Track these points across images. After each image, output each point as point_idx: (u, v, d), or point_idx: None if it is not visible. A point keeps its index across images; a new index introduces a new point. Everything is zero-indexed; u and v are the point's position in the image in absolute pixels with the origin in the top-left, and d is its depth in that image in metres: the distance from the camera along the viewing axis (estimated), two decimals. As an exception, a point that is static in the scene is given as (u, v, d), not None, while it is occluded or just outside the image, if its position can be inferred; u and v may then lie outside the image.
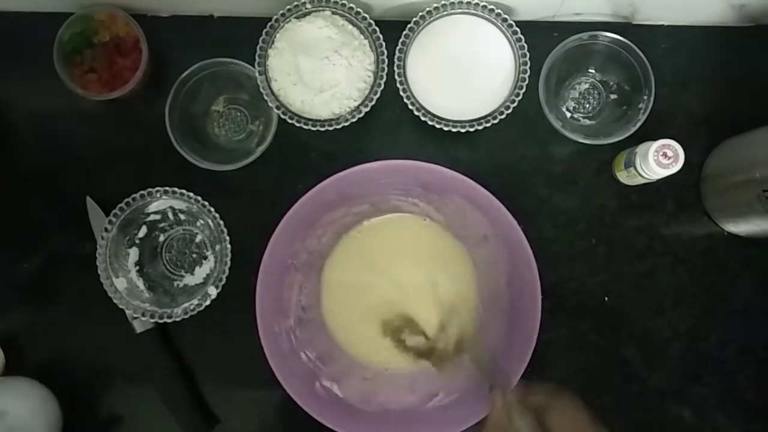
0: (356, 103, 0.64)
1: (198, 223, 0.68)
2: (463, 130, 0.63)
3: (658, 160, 0.59)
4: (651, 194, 0.68)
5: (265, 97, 0.64)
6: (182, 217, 0.67)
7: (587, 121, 0.69)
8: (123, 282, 0.64)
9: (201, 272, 0.68)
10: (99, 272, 0.62)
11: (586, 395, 0.67)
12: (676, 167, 0.59)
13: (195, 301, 0.62)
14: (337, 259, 0.68)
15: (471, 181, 0.60)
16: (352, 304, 0.67)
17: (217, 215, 0.63)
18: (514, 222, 0.59)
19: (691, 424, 0.67)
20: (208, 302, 0.62)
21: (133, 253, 0.66)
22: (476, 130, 0.64)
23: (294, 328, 0.64)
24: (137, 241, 0.66)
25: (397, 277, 0.67)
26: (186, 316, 0.62)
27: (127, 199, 0.63)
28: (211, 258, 0.68)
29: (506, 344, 0.62)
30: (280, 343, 0.62)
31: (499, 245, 0.62)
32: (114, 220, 0.63)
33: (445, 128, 0.64)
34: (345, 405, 0.63)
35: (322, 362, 0.65)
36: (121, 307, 0.63)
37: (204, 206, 0.63)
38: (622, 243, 0.68)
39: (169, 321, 0.62)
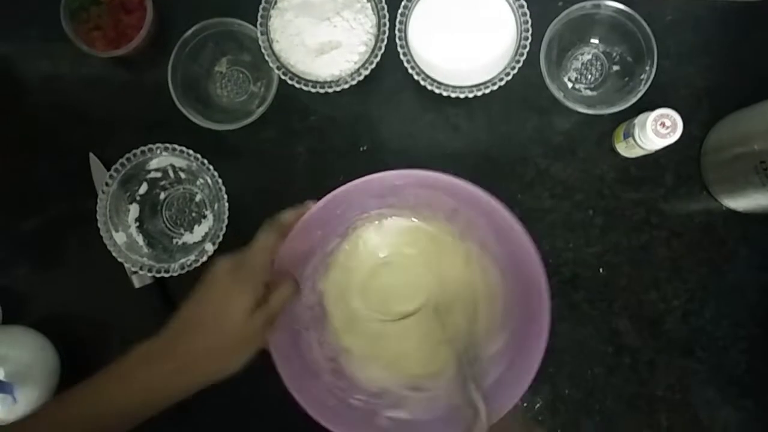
0: (357, 66, 0.64)
1: (198, 183, 0.69)
2: (462, 96, 0.64)
3: (656, 130, 0.59)
4: (650, 167, 0.68)
5: (266, 58, 0.64)
6: (183, 175, 0.68)
7: (589, 92, 0.69)
8: (122, 237, 0.65)
9: (200, 231, 0.69)
10: (99, 225, 0.63)
11: (578, 365, 0.69)
12: (674, 137, 0.59)
13: (192, 257, 0.63)
14: (336, 298, 0.63)
15: (415, 171, 0.56)
16: (372, 328, 0.63)
17: (215, 174, 0.64)
18: (479, 192, 0.54)
19: (681, 398, 0.67)
20: (205, 258, 0.63)
21: (134, 210, 0.67)
22: (476, 97, 0.64)
23: (333, 382, 0.59)
24: (138, 198, 0.67)
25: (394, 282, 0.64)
26: (183, 272, 0.63)
27: (128, 155, 0.64)
28: (210, 217, 0.68)
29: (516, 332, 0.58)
30: (328, 404, 0.56)
31: (472, 216, 0.58)
32: (115, 174, 0.64)
33: (445, 93, 0.64)
34: (416, 424, 0.58)
35: (377, 398, 0.59)
36: (119, 260, 0.64)
37: (203, 164, 0.64)
38: (619, 215, 0.68)
39: (166, 276, 0.63)
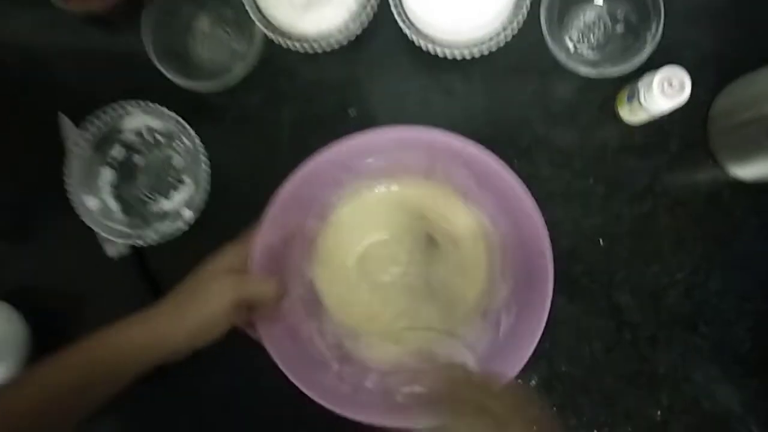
0: (346, 22, 0.60)
1: (176, 146, 0.65)
2: (458, 55, 0.60)
3: (663, 90, 0.55)
4: (654, 134, 0.65)
5: (249, 12, 0.60)
6: (160, 138, 0.64)
7: (591, 54, 0.65)
8: (95, 202, 0.61)
9: (178, 197, 0.65)
10: (69, 188, 0.59)
11: (576, 342, 0.66)
12: (682, 98, 0.56)
13: (169, 223, 0.59)
14: (327, 283, 0.61)
15: (371, 133, 0.54)
16: (367, 305, 0.61)
17: (194, 134, 0.60)
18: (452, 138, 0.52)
19: (684, 376, 0.64)
20: (182, 225, 0.60)
21: (108, 173, 0.63)
22: (473, 58, 0.61)
23: (343, 369, 0.57)
24: (112, 161, 0.63)
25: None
26: (160, 240, 0.60)
27: (98, 112, 0.60)
28: (189, 182, 0.65)
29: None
30: (342, 392, 0.55)
31: (450, 167, 0.56)
32: (86, 133, 0.60)
33: (440, 52, 0.60)
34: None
35: (391, 375, 0.58)
36: (90, 226, 0.60)
37: (180, 124, 0.60)
38: (621, 184, 0.65)
39: (141, 244, 0.60)
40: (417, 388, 0.55)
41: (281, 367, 0.52)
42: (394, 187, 0.61)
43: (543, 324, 0.54)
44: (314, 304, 0.59)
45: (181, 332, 0.48)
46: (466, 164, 0.54)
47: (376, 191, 0.61)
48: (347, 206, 0.61)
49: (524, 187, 0.55)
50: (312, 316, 0.59)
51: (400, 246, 0.61)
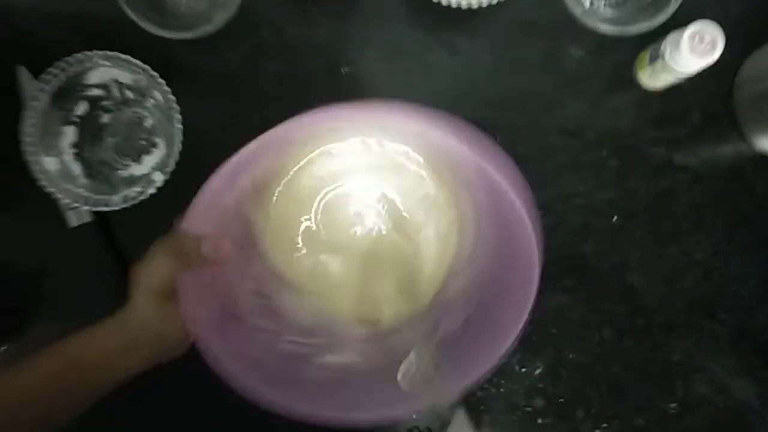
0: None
1: (148, 104, 0.58)
2: (464, 4, 0.54)
3: (693, 47, 0.50)
4: (675, 102, 0.59)
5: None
6: (130, 94, 0.57)
7: (610, 11, 0.59)
8: (54, 163, 0.54)
9: (149, 161, 0.58)
10: (25, 147, 0.53)
11: (585, 327, 0.60)
12: (713, 57, 0.50)
13: (137, 188, 0.53)
14: (273, 227, 0.54)
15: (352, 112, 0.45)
16: (314, 260, 0.54)
17: (167, 89, 0.54)
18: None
19: (699, 365, 0.59)
20: (152, 190, 0.53)
21: (70, 132, 0.56)
22: (480, 9, 0.55)
23: (260, 324, 0.49)
24: (75, 119, 0.56)
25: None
26: (126, 205, 0.53)
27: (60, 62, 0.53)
28: (162, 145, 0.58)
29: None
30: (249, 355, 0.45)
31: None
32: (45, 86, 0.53)
33: (444, 0, 0.54)
34: (351, 373, 0.48)
35: (312, 337, 0.50)
36: (49, 190, 0.53)
37: (153, 77, 0.53)
38: (637, 156, 0.60)
39: (106, 210, 0.53)
40: (338, 358, 0.49)
41: (184, 312, 0.42)
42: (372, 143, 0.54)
43: (524, 315, 0.43)
44: (247, 244, 0.51)
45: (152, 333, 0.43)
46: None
47: (349, 144, 0.54)
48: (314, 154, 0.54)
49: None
50: (240, 258, 0.49)
51: (366, 207, 0.55)
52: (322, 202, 0.55)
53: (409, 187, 0.54)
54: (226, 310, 0.47)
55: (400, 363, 0.46)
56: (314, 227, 0.54)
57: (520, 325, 0.42)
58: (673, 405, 0.60)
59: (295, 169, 0.54)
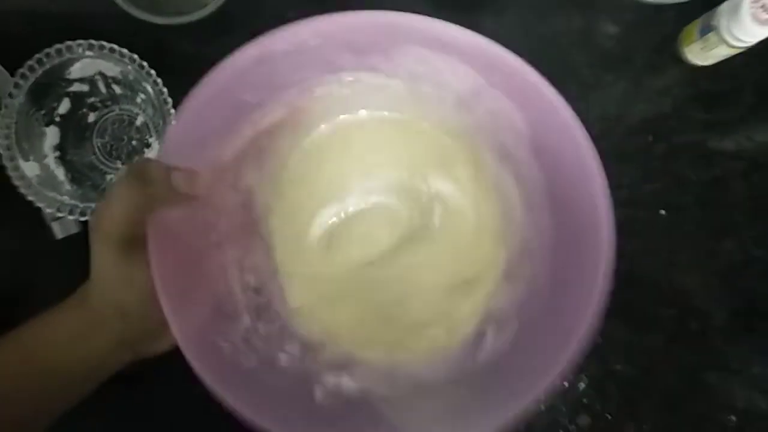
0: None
1: (138, 99, 0.52)
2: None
3: (755, 14, 0.44)
4: (725, 81, 0.53)
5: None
6: (117, 90, 0.52)
7: (649, -19, 0.53)
8: (35, 167, 0.48)
9: (142, 163, 0.52)
10: (1, 152, 0.47)
11: (632, 334, 0.54)
12: (779, 25, 0.44)
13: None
14: (279, 202, 0.44)
15: (425, 19, 0.35)
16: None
17: (159, 81, 0.48)
18: (518, 61, 0.36)
19: (760, 374, 0.53)
20: (145, 195, 0.47)
21: (52, 134, 0.50)
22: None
23: (255, 326, 0.39)
24: (57, 119, 0.51)
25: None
26: (116, 213, 0.47)
27: (38, 55, 0.47)
28: (156, 146, 0.52)
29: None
30: (242, 367, 0.37)
31: (499, 99, 0.38)
32: (22, 82, 0.47)
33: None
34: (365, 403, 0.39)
35: (315, 351, 0.41)
36: (29, 198, 0.47)
37: (142, 68, 0.47)
38: (686, 142, 0.54)
39: (93, 219, 0.47)
40: (346, 380, 0.39)
41: (163, 305, 0.33)
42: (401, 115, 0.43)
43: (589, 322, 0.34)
44: (245, 223, 0.42)
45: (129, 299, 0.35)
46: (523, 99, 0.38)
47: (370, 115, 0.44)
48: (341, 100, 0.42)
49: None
50: (236, 240, 0.40)
51: (402, 199, 0.45)
52: (350, 186, 0.44)
53: (453, 174, 0.44)
54: (215, 301, 0.38)
55: (427, 394, 0.39)
56: (334, 218, 0.44)
57: (582, 337, 0.35)
58: (732, 418, 0.54)
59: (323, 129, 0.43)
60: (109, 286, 0.34)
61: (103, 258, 0.34)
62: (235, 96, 0.36)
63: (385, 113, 0.44)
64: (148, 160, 0.34)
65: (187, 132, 0.35)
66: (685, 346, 0.53)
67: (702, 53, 0.50)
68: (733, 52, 0.48)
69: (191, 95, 0.34)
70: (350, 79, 0.40)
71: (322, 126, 0.44)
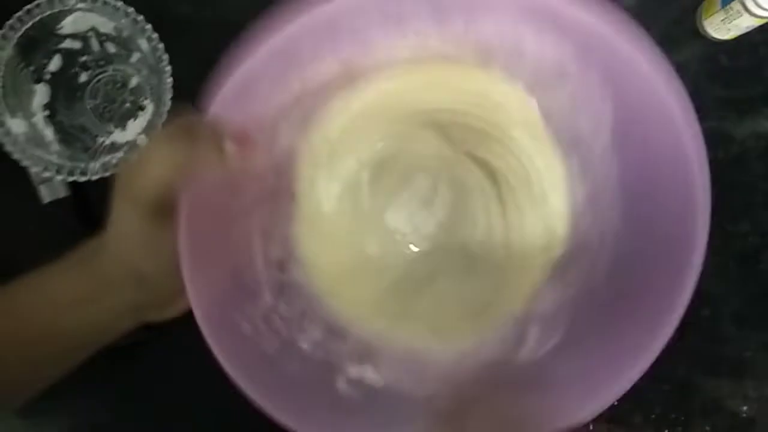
0: None
1: (133, 59, 0.50)
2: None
3: (783, -20, 0.42)
4: (746, 56, 0.51)
5: None
6: (111, 48, 0.49)
7: (669, -50, 0.51)
8: (21, 125, 0.46)
9: (135, 126, 0.50)
10: (-14, 107, 0.45)
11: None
12: (808, -7, 0.42)
13: (120, 155, 0.45)
14: (320, 168, 0.40)
15: None
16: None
17: (155, 36, 0.46)
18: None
19: (774, 363, 0.51)
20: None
21: (42, 92, 0.48)
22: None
23: (274, 306, 0.36)
24: (48, 77, 0.48)
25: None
26: (107, 174, 0.45)
27: (28, 6, 0.45)
28: (150, 108, 0.50)
29: None
30: (265, 352, 0.34)
31: (593, 81, 0.35)
32: (10, 34, 0.45)
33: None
34: (393, 398, 0.36)
35: (339, 340, 0.38)
36: (15, 157, 0.45)
37: (138, 23, 0.45)
38: (702, 119, 0.51)
39: (83, 179, 0.45)
40: (369, 373, 0.36)
41: (185, 276, 0.31)
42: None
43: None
44: (277, 189, 0.38)
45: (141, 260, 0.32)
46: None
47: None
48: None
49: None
50: (264, 207, 0.37)
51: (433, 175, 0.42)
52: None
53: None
54: (237, 275, 0.35)
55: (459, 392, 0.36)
56: (375, 186, 0.41)
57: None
58: (745, 408, 0.51)
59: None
60: (128, 249, 0.31)
61: (127, 220, 0.31)
62: (291, 47, 0.32)
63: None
64: (194, 114, 0.31)
65: (236, 87, 0.31)
66: (697, 333, 0.51)
67: (723, 25, 0.48)
68: (756, 23, 0.46)
69: (243, 44, 0.31)
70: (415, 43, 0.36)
71: (373, 87, 0.39)
